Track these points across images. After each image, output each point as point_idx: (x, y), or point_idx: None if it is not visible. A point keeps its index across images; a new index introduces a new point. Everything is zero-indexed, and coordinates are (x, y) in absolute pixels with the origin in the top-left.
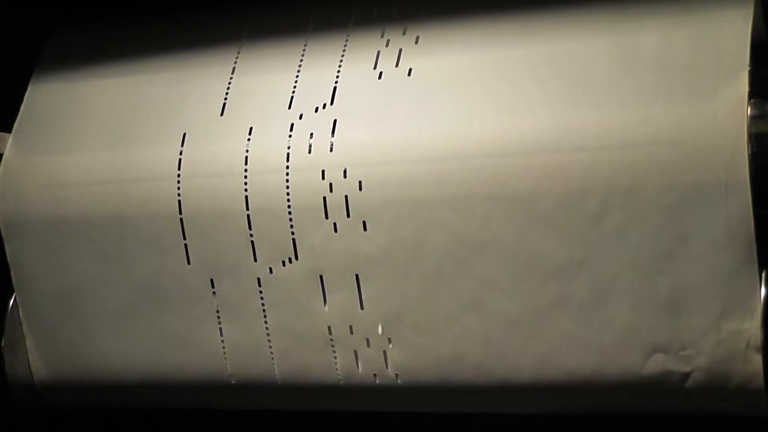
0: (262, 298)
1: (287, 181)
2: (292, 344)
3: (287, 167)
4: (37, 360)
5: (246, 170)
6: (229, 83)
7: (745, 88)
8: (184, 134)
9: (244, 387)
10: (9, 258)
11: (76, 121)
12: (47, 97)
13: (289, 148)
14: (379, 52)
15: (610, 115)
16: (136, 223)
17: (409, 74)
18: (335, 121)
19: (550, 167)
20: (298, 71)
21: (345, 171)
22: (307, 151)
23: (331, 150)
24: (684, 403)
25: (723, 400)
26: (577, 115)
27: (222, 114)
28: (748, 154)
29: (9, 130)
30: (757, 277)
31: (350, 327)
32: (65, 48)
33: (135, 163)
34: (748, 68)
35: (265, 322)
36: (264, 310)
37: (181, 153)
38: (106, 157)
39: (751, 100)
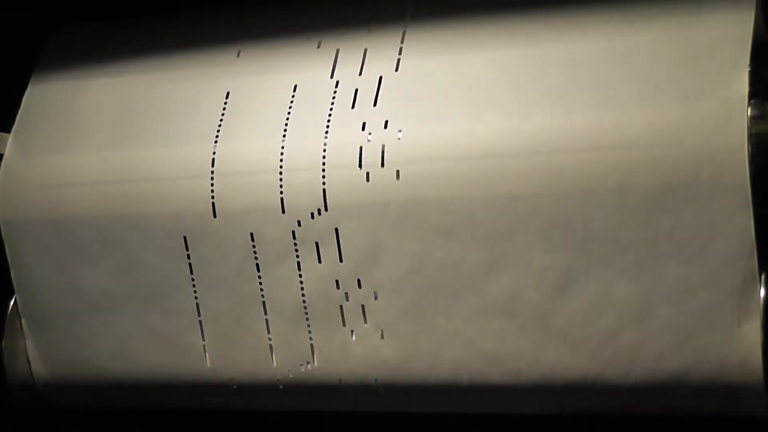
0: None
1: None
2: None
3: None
4: (37, 360)
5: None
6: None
7: (745, 88)
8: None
9: (247, 389)
10: (9, 258)
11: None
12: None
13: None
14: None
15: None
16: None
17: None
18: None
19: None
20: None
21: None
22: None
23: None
24: (684, 404)
25: (723, 400)
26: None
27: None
28: (748, 154)
29: (9, 131)
30: (757, 278)
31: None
32: (65, 48)
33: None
34: (748, 68)
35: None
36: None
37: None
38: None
39: (751, 100)
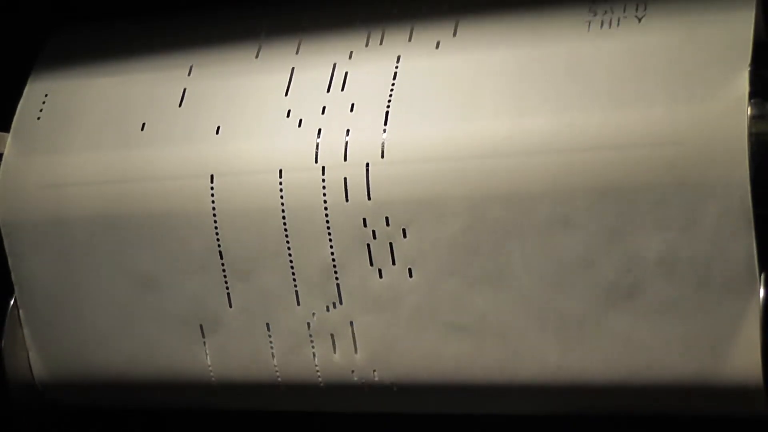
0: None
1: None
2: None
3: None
4: (37, 360)
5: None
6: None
7: (745, 88)
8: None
9: (249, 388)
10: (9, 258)
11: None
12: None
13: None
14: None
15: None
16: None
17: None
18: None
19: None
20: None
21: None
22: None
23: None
24: (684, 404)
25: (723, 400)
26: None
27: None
28: (748, 154)
29: (8, 130)
30: (757, 278)
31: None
32: (65, 48)
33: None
34: (749, 68)
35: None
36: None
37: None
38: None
39: (751, 100)
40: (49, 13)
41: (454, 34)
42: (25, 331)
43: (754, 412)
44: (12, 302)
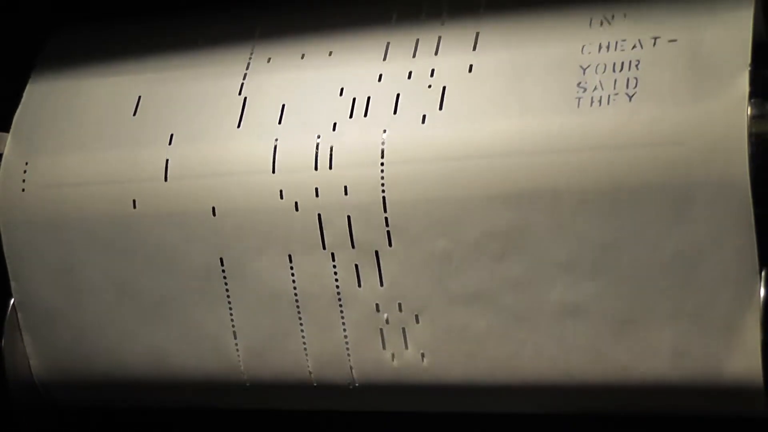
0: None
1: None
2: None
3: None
4: (37, 360)
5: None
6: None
7: (745, 88)
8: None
9: (257, 387)
10: (9, 258)
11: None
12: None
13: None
14: None
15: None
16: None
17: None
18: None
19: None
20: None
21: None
22: None
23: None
24: (684, 404)
25: (722, 400)
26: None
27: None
28: (748, 154)
29: (8, 130)
30: (757, 277)
31: None
32: (65, 48)
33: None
34: (749, 68)
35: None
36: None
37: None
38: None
39: (751, 100)
40: (49, 13)
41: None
42: (25, 331)
43: (754, 412)
44: (12, 302)
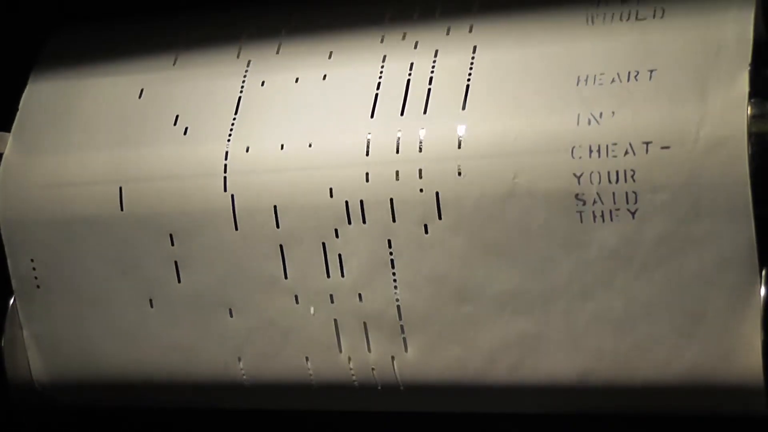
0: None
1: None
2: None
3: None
4: (37, 360)
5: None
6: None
7: (745, 88)
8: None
9: (257, 388)
10: (9, 258)
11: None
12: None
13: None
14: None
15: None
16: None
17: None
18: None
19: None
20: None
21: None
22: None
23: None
24: (684, 404)
25: (723, 400)
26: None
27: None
28: (748, 154)
29: (9, 130)
30: (757, 277)
31: None
32: (65, 47)
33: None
34: (749, 68)
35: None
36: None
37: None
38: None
39: (751, 100)
40: (49, 13)
41: None
42: (25, 331)
43: (754, 412)
44: (11, 302)
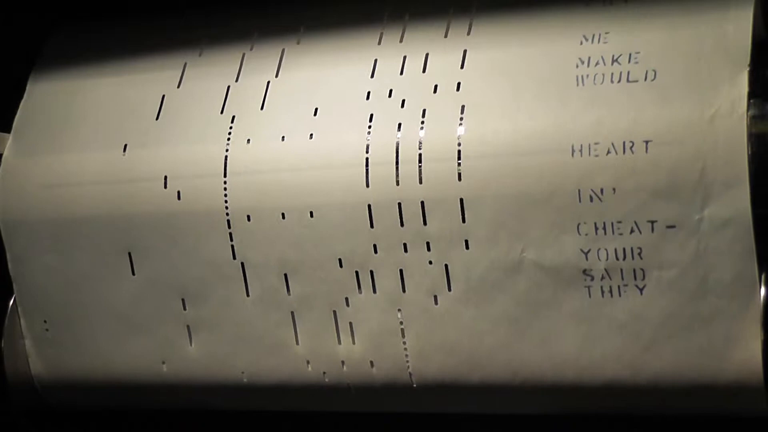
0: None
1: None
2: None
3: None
4: (37, 360)
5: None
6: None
7: (745, 88)
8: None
9: (255, 387)
10: (9, 258)
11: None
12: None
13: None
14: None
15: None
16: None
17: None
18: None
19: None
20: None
21: None
22: None
23: None
24: (684, 404)
25: (723, 400)
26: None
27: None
28: (748, 154)
29: (9, 130)
30: (757, 277)
31: None
32: (65, 48)
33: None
34: (749, 68)
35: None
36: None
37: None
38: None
39: (751, 100)
40: (49, 13)
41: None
42: (25, 331)
43: (755, 411)
44: (12, 302)
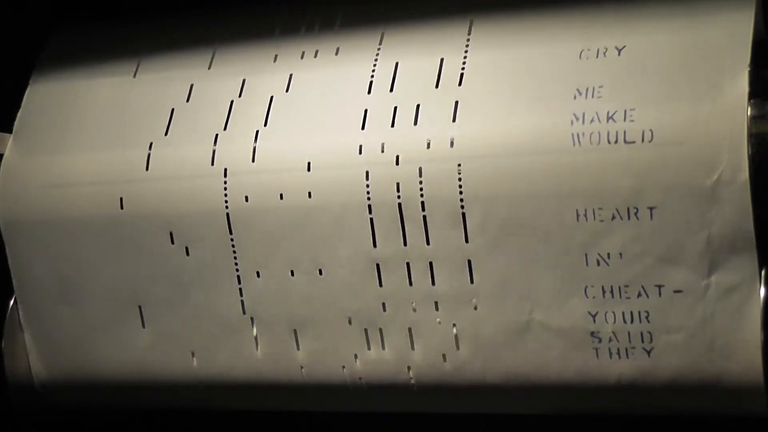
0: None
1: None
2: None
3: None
4: (37, 360)
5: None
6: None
7: (745, 88)
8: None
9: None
10: (9, 258)
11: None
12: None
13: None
14: None
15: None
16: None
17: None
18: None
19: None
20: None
21: None
22: None
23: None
24: (684, 404)
25: (723, 400)
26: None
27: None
28: (748, 154)
29: (9, 130)
30: (757, 277)
31: None
32: (65, 48)
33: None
34: (749, 68)
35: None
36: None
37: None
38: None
39: (751, 100)
40: (49, 13)
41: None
42: (25, 331)
43: (755, 412)
44: (12, 302)
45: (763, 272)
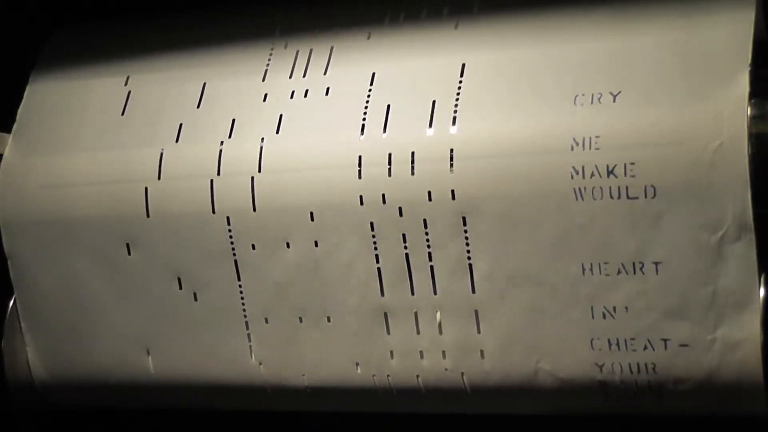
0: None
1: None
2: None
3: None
4: (37, 360)
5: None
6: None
7: (745, 88)
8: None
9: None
10: (9, 258)
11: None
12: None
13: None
14: None
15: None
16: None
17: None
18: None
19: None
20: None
21: None
22: None
23: None
24: (684, 404)
25: (723, 400)
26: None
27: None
28: (748, 154)
29: (9, 130)
30: (757, 277)
31: None
32: (65, 48)
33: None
34: (749, 68)
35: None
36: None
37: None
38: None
39: (751, 100)
40: (49, 13)
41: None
42: (25, 331)
43: (754, 412)
44: (12, 302)
45: (762, 273)
